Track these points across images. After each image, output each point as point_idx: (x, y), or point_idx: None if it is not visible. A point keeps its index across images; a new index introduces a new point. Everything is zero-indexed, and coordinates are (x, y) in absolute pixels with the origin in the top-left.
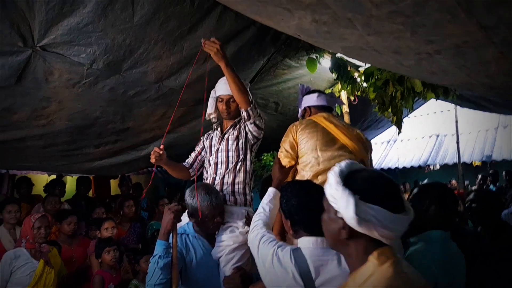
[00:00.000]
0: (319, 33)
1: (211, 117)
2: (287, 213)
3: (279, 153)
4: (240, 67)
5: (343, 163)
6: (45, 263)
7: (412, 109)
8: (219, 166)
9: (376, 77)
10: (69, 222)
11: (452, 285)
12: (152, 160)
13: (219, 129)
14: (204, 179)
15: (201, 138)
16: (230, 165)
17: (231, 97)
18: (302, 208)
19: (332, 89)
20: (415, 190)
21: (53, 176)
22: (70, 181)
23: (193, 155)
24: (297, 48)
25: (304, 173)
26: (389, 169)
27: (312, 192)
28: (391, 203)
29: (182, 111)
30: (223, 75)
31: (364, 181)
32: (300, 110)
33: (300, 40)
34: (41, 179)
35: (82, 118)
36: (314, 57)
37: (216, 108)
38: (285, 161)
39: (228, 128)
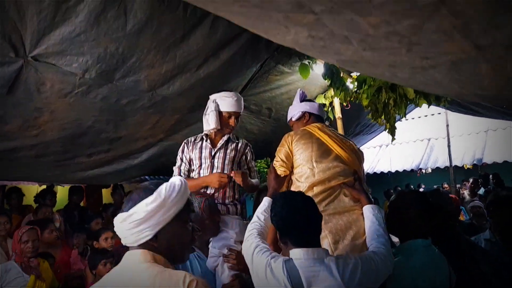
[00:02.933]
0: (315, 47)
1: (214, 131)
2: (276, 225)
3: (274, 162)
4: (233, 74)
5: None
6: (36, 278)
7: (405, 115)
8: None
9: (369, 84)
10: (51, 230)
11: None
12: (224, 182)
13: (208, 140)
14: None
15: (184, 147)
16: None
17: (239, 114)
18: (290, 221)
19: (324, 95)
20: (392, 198)
21: (44, 186)
22: (61, 191)
23: (184, 167)
24: (289, 54)
25: (300, 184)
26: (381, 173)
27: (301, 205)
28: None
29: (175, 119)
30: (220, 83)
31: None
32: (296, 113)
33: None
34: (31, 189)
35: (74, 127)
36: (307, 63)
37: (219, 122)
38: (280, 171)
39: (221, 142)
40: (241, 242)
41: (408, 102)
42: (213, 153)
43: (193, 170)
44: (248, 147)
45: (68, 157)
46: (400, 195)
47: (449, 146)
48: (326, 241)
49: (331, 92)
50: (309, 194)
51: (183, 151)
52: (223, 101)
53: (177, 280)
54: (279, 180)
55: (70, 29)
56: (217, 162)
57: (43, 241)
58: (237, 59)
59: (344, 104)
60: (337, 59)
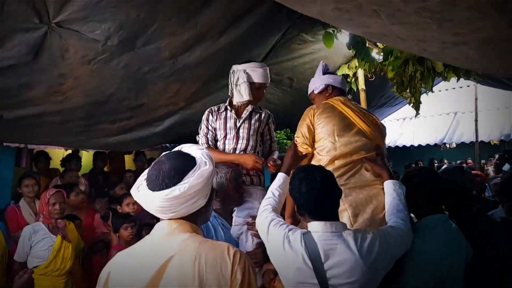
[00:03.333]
0: (341, 20)
1: (244, 102)
2: (294, 198)
3: (295, 138)
4: (254, 43)
5: None
6: (62, 238)
7: (431, 90)
8: (237, 152)
9: (395, 56)
10: (76, 194)
11: (451, 267)
12: (259, 168)
13: (232, 110)
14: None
15: (209, 116)
16: (248, 151)
17: (266, 84)
18: (309, 194)
19: (348, 65)
20: (402, 176)
21: (69, 151)
22: (86, 156)
23: (210, 136)
24: (313, 22)
25: (321, 157)
26: (404, 147)
27: (320, 179)
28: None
29: (196, 87)
30: (241, 51)
31: None
32: (319, 86)
33: None
34: (57, 154)
35: (97, 94)
36: (331, 31)
37: (251, 94)
38: (302, 148)
39: (246, 113)
40: None
41: (436, 76)
42: (238, 124)
43: (218, 140)
44: (271, 118)
45: (92, 123)
46: (408, 173)
47: (476, 120)
48: (345, 214)
49: (355, 62)
50: (330, 167)
51: (208, 120)
52: (254, 72)
53: (222, 250)
54: (297, 158)
55: None
56: (243, 133)
57: (69, 203)
58: (258, 28)
59: (369, 75)
60: (363, 31)
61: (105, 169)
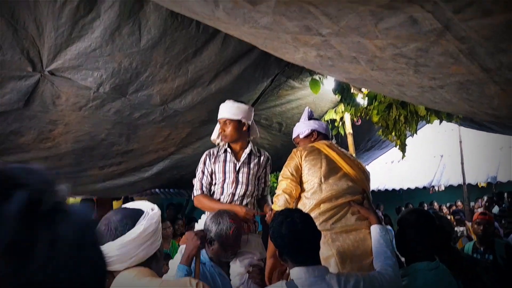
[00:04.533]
0: (324, 66)
1: (216, 142)
2: (274, 243)
3: (282, 177)
4: (244, 89)
5: None
6: None
7: (415, 133)
8: (236, 198)
9: (379, 101)
10: None
11: None
12: (244, 217)
13: (229, 152)
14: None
15: (206, 159)
16: (247, 199)
17: (226, 120)
18: (289, 239)
19: (335, 110)
20: (398, 217)
21: None
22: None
23: (205, 181)
24: (300, 69)
25: (306, 201)
26: (393, 190)
27: (299, 223)
28: None
29: (186, 132)
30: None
31: None
32: (304, 131)
33: None
34: None
35: (87, 140)
36: (318, 78)
37: (217, 133)
38: (291, 186)
39: (244, 155)
40: (262, 260)
41: (419, 119)
42: (237, 168)
43: (215, 183)
44: (269, 161)
45: (81, 169)
46: (405, 214)
47: (462, 163)
48: (333, 260)
49: (342, 107)
50: (316, 211)
51: (205, 163)
52: (220, 110)
53: (184, 283)
54: (277, 262)
55: (86, 44)
56: (242, 177)
57: None
58: (248, 74)
59: (355, 119)
60: (346, 77)
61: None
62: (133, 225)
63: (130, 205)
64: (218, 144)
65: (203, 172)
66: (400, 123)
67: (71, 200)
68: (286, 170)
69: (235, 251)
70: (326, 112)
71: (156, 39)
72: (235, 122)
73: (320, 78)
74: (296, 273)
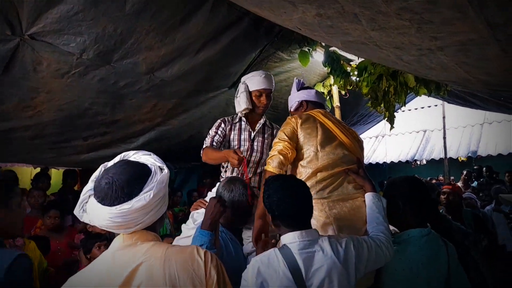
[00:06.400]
0: (322, 27)
1: (244, 112)
2: (268, 208)
3: (276, 142)
4: (232, 59)
5: None
6: None
7: (404, 104)
8: (250, 165)
9: (369, 72)
10: (50, 216)
11: (428, 285)
12: (235, 164)
13: (245, 121)
14: (224, 169)
15: (221, 124)
16: (261, 167)
17: (270, 90)
18: (282, 204)
19: (323, 83)
20: (385, 187)
21: (38, 169)
22: (56, 174)
23: (217, 138)
24: (289, 41)
25: (303, 170)
26: (377, 164)
27: (293, 189)
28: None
29: (173, 103)
30: (219, 68)
31: None
32: (294, 103)
33: (293, 33)
34: (25, 172)
35: (71, 109)
36: (307, 50)
37: (250, 102)
38: (287, 149)
39: (258, 126)
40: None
41: (408, 91)
42: (252, 136)
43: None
44: None
45: (64, 140)
46: (392, 182)
47: (444, 138)
48: (330, 228)
49: (330, 80)
50: (313, 180)
51: (219, 127)
52: (252, 80)
53: (191, 251)
54: (265, 221)
55: (68, 7)
56: (257, 146)
57: (45, 226)
58: (237, 45)
59: (343, 92)
60: (343, 40)
61: (76, 187)
62: (140, 189)
63: (134, 157)
64: (244, 111)
65: (216, 132)
66: (389, 94)
67: (54, 171)
68: (282, 134)
69: (247, 218)
70: (314, 86)
71: (142, 4)
72: (271, 93)
73: (309, 50)
74: (289, 237)
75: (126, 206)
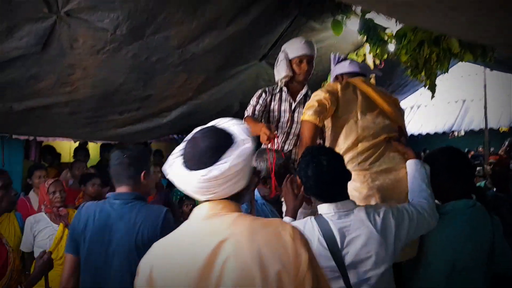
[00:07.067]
0: None
1: (284, 80)
2: (301, 180)
3: (313, 98)
4: (263, 31)
5: None
6: (64, 226)
7: (447, 71)
8: (291, 137)
9: (409, 39)
10: (93, 184)
11: (471, 258)
12: (264, 140)
13: (286, 91)
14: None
15: (262, 94)
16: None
17: (311, 56)
18: (314, 181)
19: (356, 53)
20: (425, 156)
21: (77, 144)
22: (93, 148)
23: (259, 108)
24: (321, 9)
25: (342, 140)
26: (411, 135)
27: (326, 163)
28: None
29: (203, 78)
30: (249, 40)
31: None
32: (331, 81)
33: (325, 1)
34: (65, 147)
35: (106, 85)
36: (340, 18)
37: (290, 69)
38: (325, 101)
39: (300, 96)
40: None
41: (452, 57)
42: (293, 107)
43: (271, 122)
44: None
45: (100, 115)
46: (431, 153)
47: (485, 107)
48: (373, 200)
49: (364, 49)
50: (354, 151)
51: (260, 96)
52: (291, 47)
53: (276, 226)
54: (299, 197)
55: None
56: (297, 117)
57: (87, 194)
58: (267, 15)
59: (377, 62)
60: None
61: None
62: (217, 158)
63: (223, 125)
64: (284, 79)
65: (257, 102)
66: (432, 61)
67: (91, 145)
68: (323, 89)
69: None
70: (347, 55)
71: None
72: (313, 59)
73: (342, 19)
74: (324, 208)
75: (200, 173)
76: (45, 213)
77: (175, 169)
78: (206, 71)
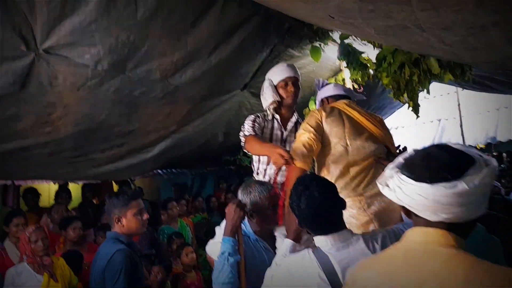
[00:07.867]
0: (361, 12)
1: (271, 107)
2: (294, 213)
3: (300, 134)
4: (244, 59)
5: None
6: (49, 277)
7: (428, 92)
8: (283, 167)
9: (389, 62)
10: (74, 228)
11: None
12: (281, 163)
13: (277, 119)
14: (256, 171)
15: (256, 118)
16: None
17: (294, 77)
18: (307, 214)
19: (335, 78)
20: None
21: (57, 185)
22: (74, 189)
23: (256, 125)
24: (300, 37)
25: (333, 167)
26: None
27: (319, 197)
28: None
29: (187, 109)
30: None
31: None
32: (317, 106)
33: (303, 28)
34: (44, 189)
35: (87, 122)
36: (318, 45)
37: (277, 95)
38: (311, 140)
39: (290, 124)
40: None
41: (432, 78)
42: (284, 137)
43: None
44: None
45: (82, 153)
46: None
47: (461, 126)
48: (372, 226)
49: (342, 74)
50: (346, 177)
51: (254, 121)
52: (274, 73)
53: (505, 275)
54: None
55: (80, 18)
56: (288, 147)
57: (68, 239)
58: (248, 44)
59: (355, 86)
60: (380, 25)
61: (95, 201)
62: (461, 173)
63: (451, 144)
64: (271, 105)
65: (253, 124)
66: (414, 82)
67: (73, 186)
68: (306, 124)
69: (276, 219)
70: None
71: (153, 10)
72: (298, 81)
73: (321, 45)
74: (321, 241)
75: (443, 186)
76: (27, 264)
77: (400, 185)
78: (189, 102)
